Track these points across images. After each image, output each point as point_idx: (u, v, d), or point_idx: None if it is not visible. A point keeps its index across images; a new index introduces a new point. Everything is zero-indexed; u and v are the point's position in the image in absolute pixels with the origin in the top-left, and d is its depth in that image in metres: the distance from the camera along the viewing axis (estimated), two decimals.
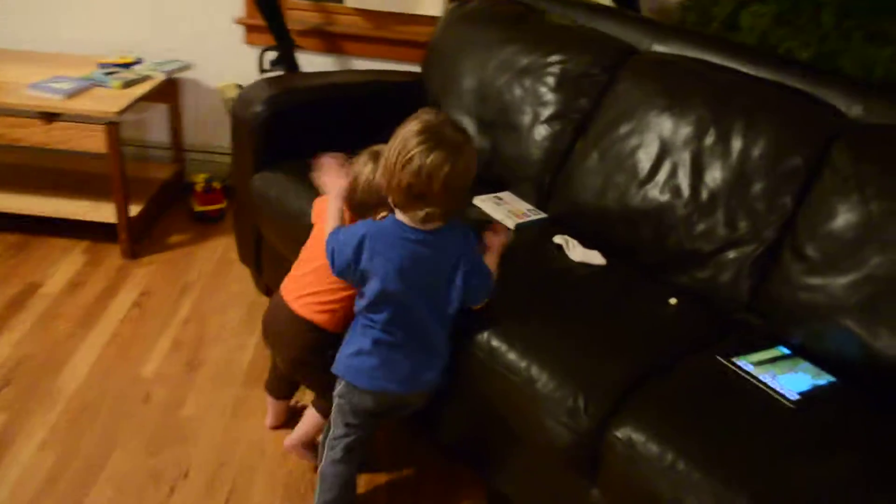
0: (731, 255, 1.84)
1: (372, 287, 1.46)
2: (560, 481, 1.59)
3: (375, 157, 1.52)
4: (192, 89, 2.95)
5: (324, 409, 1.75)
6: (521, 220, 2.07)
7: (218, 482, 1.77)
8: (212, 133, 3.03)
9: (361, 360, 1.53)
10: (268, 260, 2.29)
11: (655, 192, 1.93)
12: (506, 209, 2.11)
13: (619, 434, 1.41)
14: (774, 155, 1.81)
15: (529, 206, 2.16)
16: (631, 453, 1.39)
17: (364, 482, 1.80)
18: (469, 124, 2.31)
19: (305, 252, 1.69)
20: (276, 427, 1.95)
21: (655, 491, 1.36)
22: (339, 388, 1.57)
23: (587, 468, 1.50)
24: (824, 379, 1.61)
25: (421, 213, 1.40)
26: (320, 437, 1.73)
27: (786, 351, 1.70)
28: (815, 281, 1.71)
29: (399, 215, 1.45)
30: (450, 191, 1.37)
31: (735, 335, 1.75)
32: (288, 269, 2.15)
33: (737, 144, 1.85)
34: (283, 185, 2.07)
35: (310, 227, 1.72)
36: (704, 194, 1.87)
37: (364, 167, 1.53)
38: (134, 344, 2.18)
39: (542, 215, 2.12)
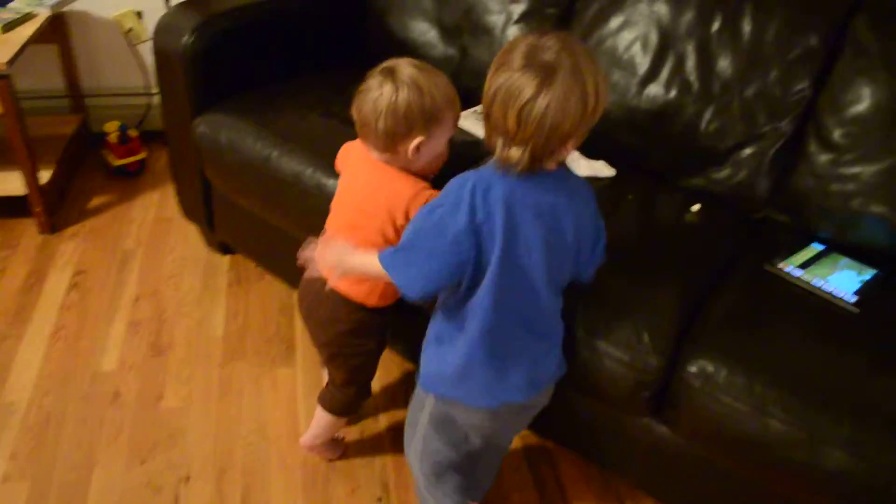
0: (749, 150, 1.70)
1: (494, 258, 1.09)
2: (615, 423, 1.46)
3: (391, 74, 1.23)
4: (83, 23, 2.49)
5: (339, 405, 1.50)
6: None
7: (226, 481, 1.54)
8: (113, 72, 2.60)
9: (471, 372, 1.17)
10: (222, 213, 1.99)
11: (660, 89, 1.75)
12: None
13: (693, 368, 1.28)
14: (788, 36, 1.65)
15: None
16: (710, 388, 1.26)
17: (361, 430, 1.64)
18: (431, 31, 2.05)
19: (334, 209, 1.39)
20: None
21: (740, 423, 1.24)
22: (437, 408, 1.26)
23: (653, 407, 1.37)
24: (868, 273, 1.53)
25: (503, 154, 1.05)
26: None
27: (820, 247, 1.60)
28: (846, 170, 1.60)
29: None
30: (529, 126, 1.00)
31: (764, 236, 1.65)
32: (251, 222, 1.89)
33: (746, 28, 1.68)
34: (235, 128, 1.75)
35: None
36: (716, 87, 1.70)
37: (381, 89, 1.22)
38: (83, 334, 1.87)
39: None
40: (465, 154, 1.76)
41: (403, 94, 1.21)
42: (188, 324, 1.92)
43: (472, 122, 1.88)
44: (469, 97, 1.94)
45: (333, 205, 1.38)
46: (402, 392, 1.78)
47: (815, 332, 1.35)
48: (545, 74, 0.99)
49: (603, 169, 1.75)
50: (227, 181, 1.85)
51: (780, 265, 1.50)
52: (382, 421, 1.71)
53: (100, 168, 2.53)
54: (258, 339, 1.89)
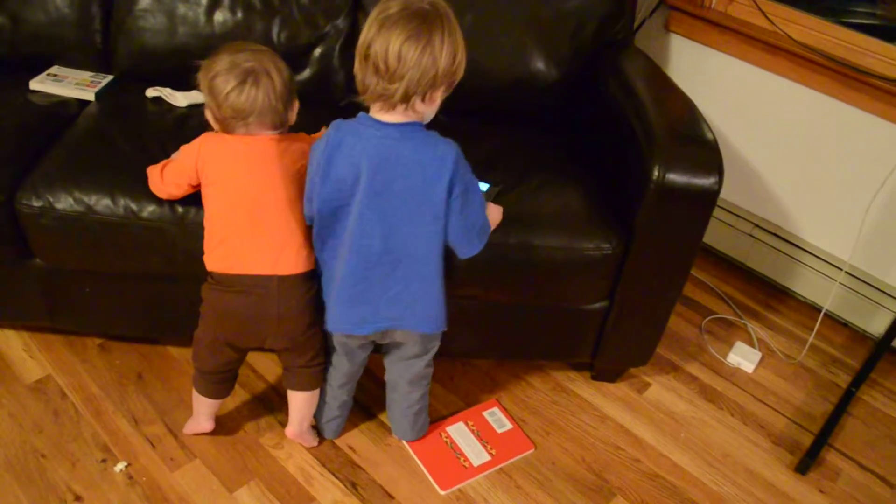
0: (319, 50, 1.96)
1: (336, 184, 1.30)
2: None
3: (254, 60, 1.38)
4: None
5: (316, 377, 1.55)
6: (96, 89, 1.86)
7: None
8: None
9: (329, 293, 1.42)
10: None
11: (227, 13, 1.90)
12: (71, 83, 1.87)
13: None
14: None
15: (91, 73, 1.93)
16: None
17: None
18: None
19: (234, 205, 1.40)
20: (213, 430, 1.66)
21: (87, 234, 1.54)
22: None
23: (17, 241, 1.58)
24: None
25: (374, 94, 1.22)
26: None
27: None
28: None
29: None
30: (406, 70, 1.17)
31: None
32: None
33: None
34: None
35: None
36: (275, 1, 1.91)
37: (268, 77, 1.38)
38: None
39: (110, 77, 1.93)
40: (56, 113, 1.75)
41: (284, 71, 1.41)
42: None
43: (50, 85, 1.84)
44: (40, 63, 1.89)
45: (232, 202, 1.40)
46: (68, 365, 1.77)
47: None
48: (421, 22, 1.17)
49: (198, 97, 1.87)
50: None
51: None
52: (71, 397, 1.70)
53: None
54: None
